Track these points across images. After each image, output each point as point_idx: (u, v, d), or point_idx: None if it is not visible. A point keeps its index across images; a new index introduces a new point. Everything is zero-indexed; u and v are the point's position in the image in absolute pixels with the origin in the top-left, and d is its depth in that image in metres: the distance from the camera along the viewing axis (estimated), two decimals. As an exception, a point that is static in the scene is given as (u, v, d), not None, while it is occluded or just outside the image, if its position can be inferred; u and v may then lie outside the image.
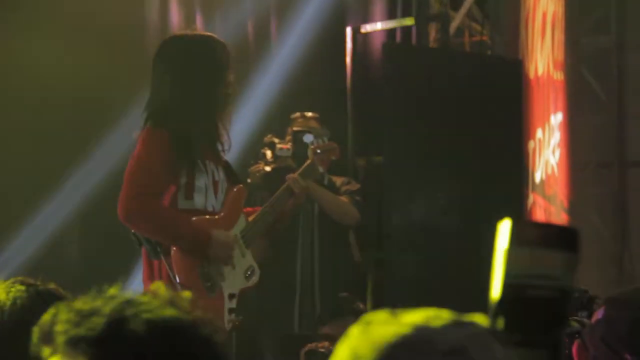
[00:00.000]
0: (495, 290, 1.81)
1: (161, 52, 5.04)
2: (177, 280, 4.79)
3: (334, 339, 6.02)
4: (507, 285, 1.84)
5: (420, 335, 1.49)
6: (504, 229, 1.85)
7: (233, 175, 5.11)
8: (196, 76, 4.92)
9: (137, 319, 1.60)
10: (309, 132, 6.32)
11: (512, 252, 1.85)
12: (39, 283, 2.79)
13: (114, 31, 7.05)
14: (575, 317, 3.87)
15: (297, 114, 6.93)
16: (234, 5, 7.43)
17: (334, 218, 6.78)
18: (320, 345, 5.85)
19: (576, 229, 1.93)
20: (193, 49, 4.99)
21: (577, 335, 3.42)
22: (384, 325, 1.51)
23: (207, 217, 4.94)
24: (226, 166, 5.06)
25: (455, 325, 1.52)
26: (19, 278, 2.80)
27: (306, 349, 5.83)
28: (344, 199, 6.82)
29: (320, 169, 5.95)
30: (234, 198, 5.05)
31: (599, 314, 3.25)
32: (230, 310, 4.98)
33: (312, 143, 6.01)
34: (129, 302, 1.63)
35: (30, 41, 6.90)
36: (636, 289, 3.42)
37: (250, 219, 5.18)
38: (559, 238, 1.89)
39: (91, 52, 6.95)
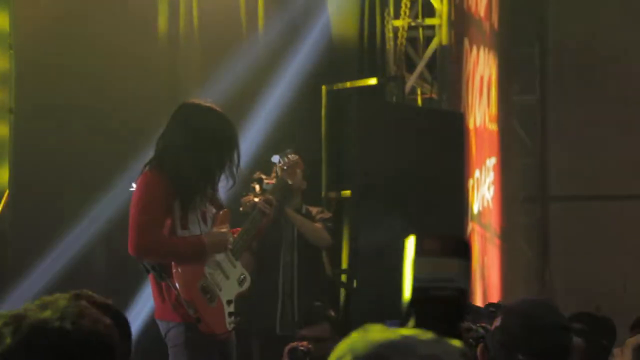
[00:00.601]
0: (406, 293, 1.82)
1: (185, 115, 4.89)
2: (182, 296, 4.76)
3: (310, 339, 5.99)
4: (414, 289, 1.84)
5: (406, 342, 1.52)
6: (410, 242, 1.86)
7: (218, 203, 5.03)
8: (208, 145, 4.80)
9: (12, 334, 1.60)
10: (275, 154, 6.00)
11: (417, 261, 1.86)
12: (97, 297, 2.66)
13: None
14: (482, 324, 3.84)
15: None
16: (230, 66, 7.41)
17: (310, 240, 6.77)
18: (300, 344, 5.80)
19: (468, 240, 1.95)
20: (217, 126, 4.84)
21: (481, 340, 3.46)
22: (379, 332, 1.54)
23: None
24: (211, 196, 4.97)
25: (435, 341, 1.54)
26: (84, 291, 2.62)
27: (289, 347, 5.78)
28: (318, 225, 6.81)
29: (289, 181, 5.82)
30: (220, 220, 4.97)
31: (497, 322, 3.28)
32: (230, 314, 4.93)
33: (279, 162, 5.84)
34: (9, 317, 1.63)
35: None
36: (526, 301, 3.43)
37: (235, 236, 5.15)
38: (454, 248, 1.89)
39: (120, 84, 6.85)
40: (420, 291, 1.82)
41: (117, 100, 6.83)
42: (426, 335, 1.54)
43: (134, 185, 4.92)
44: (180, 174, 4.75)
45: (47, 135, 6.66)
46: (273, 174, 6.77)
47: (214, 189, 4.91)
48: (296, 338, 6.15)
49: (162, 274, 4.77)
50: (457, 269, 1.84)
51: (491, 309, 5.32)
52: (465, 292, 1.84)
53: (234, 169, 4.85)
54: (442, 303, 1.83)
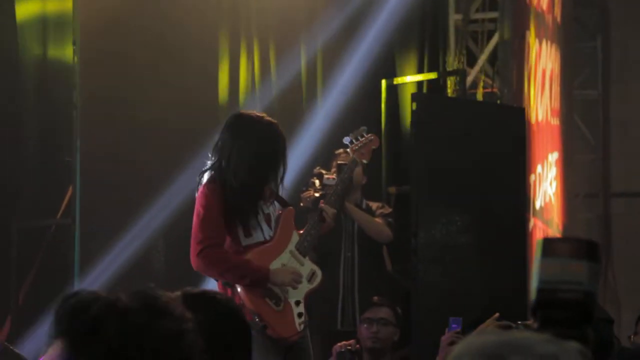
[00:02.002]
0: (532, 294, 1.75)
1: (237, 125, 4.82)
2: (246, 305, 4.70)
3: (374, 321, 5.97)
4: (540, 290, 1.78)
5: (523, 341, 1.51)
6: (538, 244, 1.79)
7: (282, 201, 4.98)
8: (259, 155, 4.74)
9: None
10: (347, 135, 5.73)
11: (543, 262, 1.78)
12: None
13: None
14: (524, 322, 3.75)
15: (341, 150, 6.83)
16: (289, 61, 7.37)
17: (370, 236, 6.73)
18: (347, 343, 5.72)
19: (598, 243, 1.85)
20: (266, 133, 4.79)
21: None
22: (495, 333, 1.53)
23: (260, 248, 4.81)
24: (275, 196, 4.91)
25: (551, 341, 1.52)
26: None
27: (336, 349, 5.69)
28: (378, 220, 6.76)
29: (364, 161, 5.70)
30: (284, 219, 4.93)
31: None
32: (300, 315, 4.88)
33: (350, 143, 5.64)
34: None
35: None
36: None
37: (300, 232, 5.09)
38: (584, 250, 1.81)
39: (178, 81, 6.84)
40: (545, 293, 1.76)
41: (178, 96, 6.83)
42: (541, 335, 1.51)
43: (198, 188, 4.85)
44: (235, 184, 4.71)
45: (110, 130, 6.67)
46: (333, 169, 6.74)
47: (277, 188, 4.84)
48: (360, 321, 6.11)
49: (229, 282, 4.77)
50: (586, 272, 1.77)
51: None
52: (592, 295, 1.77)
53: (278, 181, 4.80)
54: (568, 305, 1.76)
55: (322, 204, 5.28)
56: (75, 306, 1.60)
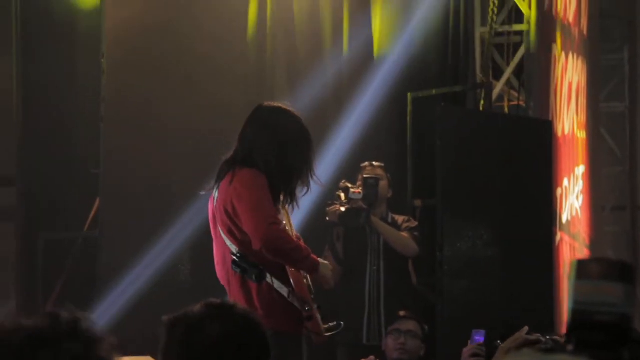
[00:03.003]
0: (567, 316, 1.75)
1: (265, 116, 4.78)
2: (298, 293, 4.62)
3: (402, 333, 6.03)
4: (574, 312, 1.78)
5: None
6: (572, 265, 1.79)
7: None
8: (288, 147, 4.69)
9: None
10: None
11: (577, 284, 1.78)
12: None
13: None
14: (553, 337, 3.74)
15: (367, 163, 6.90)
16: (315, 75, 7.38)
17: (396, 249, 6.75)
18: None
19: (633, 265, 1.85)
20: (296, 129, 4.73)
21: None
22: (531, 356, 1.56)
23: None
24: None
25: None
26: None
27: None
28: (404, 234, 6.78)
29: None
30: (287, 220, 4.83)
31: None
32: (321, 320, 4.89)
33: None
34: None
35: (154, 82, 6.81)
36: None
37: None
38: (617, 272, 1.82)
39: (208, 91, 6.85)
40: (580, 314, 1.76)
41: (203, 107, 6.84)
42: (577, 358, 1.51)
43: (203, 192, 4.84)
44: (271, 174, 4.63)
45: (134, 142, 6.69)
46: (359, 183, 6.77)
47: (307, 184, 4.79)
48: (387, 333, 6.12)
49: (265, 273, 4.60)
50: (620, 294, 1.78)
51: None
52: (627, 317, 1.77)
53: (310, 175, 4.72)
54: (603, 328, 1.76)
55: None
56: None
